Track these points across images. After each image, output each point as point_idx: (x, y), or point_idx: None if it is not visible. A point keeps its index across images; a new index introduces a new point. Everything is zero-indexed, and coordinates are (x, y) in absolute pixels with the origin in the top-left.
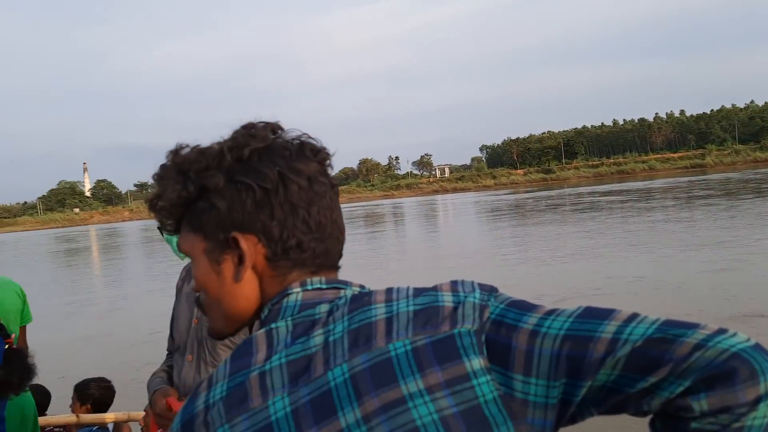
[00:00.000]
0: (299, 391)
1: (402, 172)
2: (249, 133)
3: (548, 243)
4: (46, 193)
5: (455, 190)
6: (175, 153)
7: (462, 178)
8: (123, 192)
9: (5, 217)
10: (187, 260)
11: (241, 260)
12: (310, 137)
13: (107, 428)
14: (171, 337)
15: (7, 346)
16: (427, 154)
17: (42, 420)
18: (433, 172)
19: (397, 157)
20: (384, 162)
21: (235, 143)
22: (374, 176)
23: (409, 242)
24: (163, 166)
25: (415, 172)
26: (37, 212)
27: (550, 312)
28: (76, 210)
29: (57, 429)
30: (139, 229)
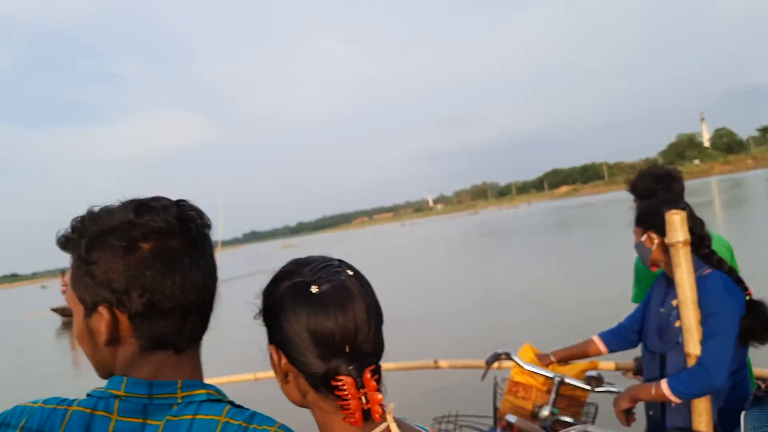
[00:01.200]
0: None
1: None
2: None
3: None
4: (665, 148)
5: None
6: None
7: None
8: (744, 139)
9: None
10: None
11: None
12: None
13: None
14: None
15: (748, 297)
16: None
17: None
18: None
19: None
20: None
21: None
22: None
23: None
24: None
25: None
26: None
27: None
28: (696, 162)
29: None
30: (765, 178)
